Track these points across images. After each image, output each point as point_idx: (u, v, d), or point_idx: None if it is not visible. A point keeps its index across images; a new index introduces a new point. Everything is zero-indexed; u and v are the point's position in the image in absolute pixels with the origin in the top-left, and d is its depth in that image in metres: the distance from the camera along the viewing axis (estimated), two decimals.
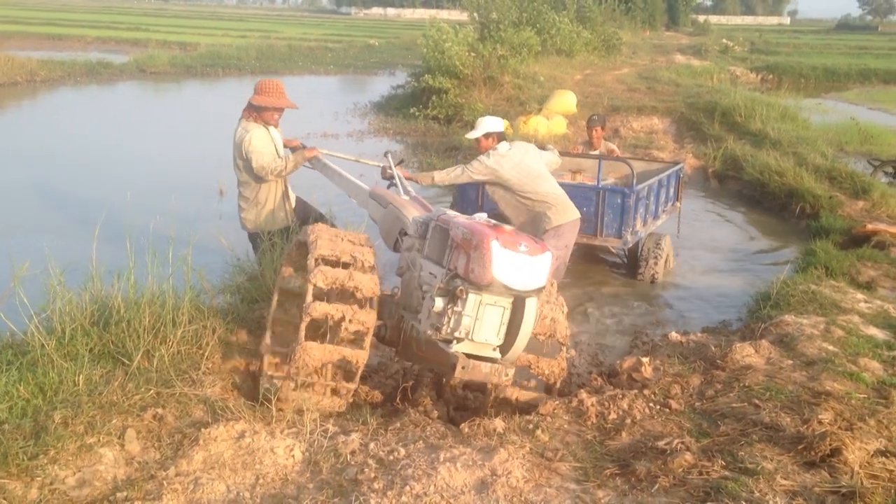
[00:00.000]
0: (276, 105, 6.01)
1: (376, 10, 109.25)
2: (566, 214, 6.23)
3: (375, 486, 3.32)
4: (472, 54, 18.99)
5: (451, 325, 3.80)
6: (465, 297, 3.75)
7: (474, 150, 6.63)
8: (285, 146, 6.38)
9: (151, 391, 3.92)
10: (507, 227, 3.89)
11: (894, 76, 31.24)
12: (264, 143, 5.97)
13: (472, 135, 6.47)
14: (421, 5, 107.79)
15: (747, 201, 11.27)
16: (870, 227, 8.72)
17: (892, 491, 3.35)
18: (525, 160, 6.23)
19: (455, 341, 3.80)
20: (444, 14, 59.68)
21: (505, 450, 3.58)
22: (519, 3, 27.97)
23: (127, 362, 4.11)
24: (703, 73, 27.45)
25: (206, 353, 4.43)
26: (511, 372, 3.89)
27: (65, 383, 3.80)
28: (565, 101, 16.96)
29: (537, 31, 26.97)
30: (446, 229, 4.07)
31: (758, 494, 3.19)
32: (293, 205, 6.43)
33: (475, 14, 26.39)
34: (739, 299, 7.00)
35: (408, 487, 3.28)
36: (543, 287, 3.84)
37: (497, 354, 3.88)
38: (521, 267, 3.71)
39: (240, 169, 6.16)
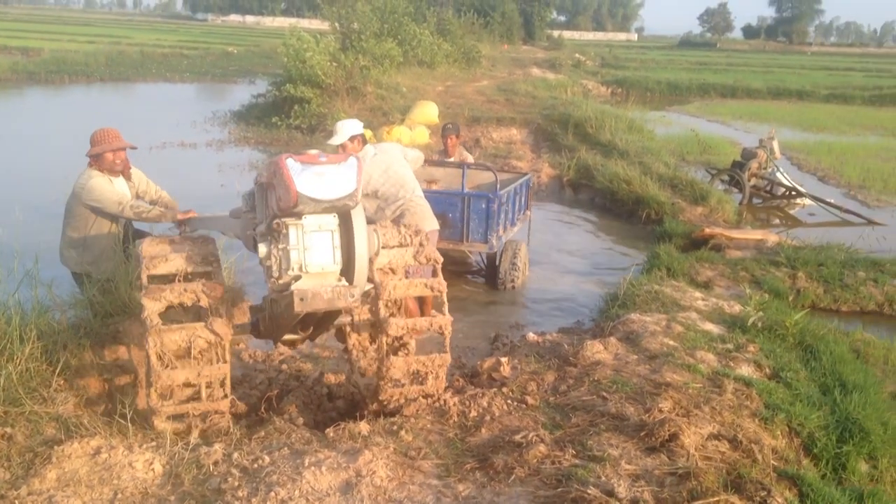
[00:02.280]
0: (111, 147, 5.64)
1: (234, 17, 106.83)
2: (425, 223, 6.18)
3: (239, 493, 3.32)
4: (334, 64, 18.99)
5: (282, 265, 3.70)
6: (285, 230, 3.66)
7: None
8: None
9: None
10: (310, 151, 3.80)
11: (731, 90, 33.61)
12: (107, 188, 5.59)
13: (335, 140, 6.22)
14: (281, 13, 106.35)
15: (599, 208, 11.88)
16: (707, 231, 9.43)
17: (724, 470, 3.68)
18: (392, 166, 6.21)
19: (293, 282, 3.70)
20: (304, 23, 59.00)
21: (370, 451, 3.67)
22: (380, 14, 28.16)
23: None
24: (557, 86, 28.55)
25: (58, 370, 4.26)
26: (357, 292, 3.78)
27: None
28: (427, 111, 17.24)
29: (399, 42, 27.23)
30: (259, 182, 3.98)
31: (604, 479, 3.43)
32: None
33: (336, 24, 26.39)
34: (592, 300, 7.40)
35: (272, 493, 3.30)
36: (355, 194, 3.69)
37: (344, 283, 3.79)
38: (324, 177, 3.59)
39: (71, 211, 5.74)
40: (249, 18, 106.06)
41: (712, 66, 49.06)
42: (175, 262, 4.06)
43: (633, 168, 12.17)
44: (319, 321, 4.41)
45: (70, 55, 32.61)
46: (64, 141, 15.48)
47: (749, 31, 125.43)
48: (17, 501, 3.18)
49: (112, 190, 5.63)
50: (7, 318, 4.35)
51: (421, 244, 4.47)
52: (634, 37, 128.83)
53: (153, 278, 4.03)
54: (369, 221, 6.02)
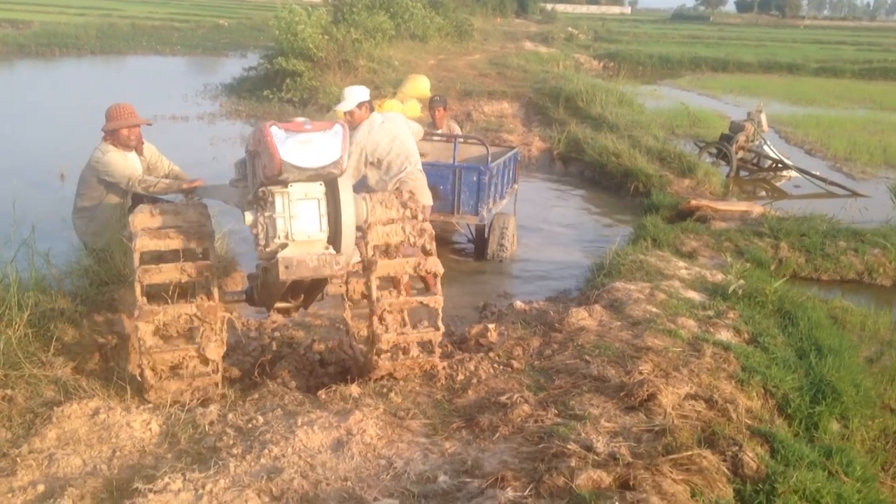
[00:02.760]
0: (126, 123, 5.76)
1: None
2: (423, 197, 6.21)
3: (234, 451, 3.47)
4: (326, 37, 18.95)
5: (269, 233, 3.71)
6: (271, 198, 3.66)
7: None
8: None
9: None
10: (296, 119, 3.78)
11: (722, 64, 33.56)
12: (119, 162, 5.71)
13: (343, 107, 6.17)
14: None
15: (588, 181, 12.00)
16: (693, 202, 9.58)
17: (699, 427, 3.84)
18: (399, 136, 6.20)
19: (280, 249, 3.72)
20: None
21: (360, 411, 3.82)
22: None
23: None
24: (549, 59, 28.51)
25: (55, 335, 4.39)
26: (342, 260, 3.78)
27: None
28: (419, 85, 17.20)
29: (391, 15, 27.13)
30: (248, 150, 3.97)
31: (584, 435, 3.59)
32: None
33: None
34: (579, 270, 7.55)
35: (266, 451, 3.46)
36: (340, 161, 3.66)
37: (331, 251, 3.80)
38: (309, 144, 3.57)
39: (85, 182, 5.91)
40: None
41: (704, 40, 48.94)
42: (167, 238, 4.06)
43: (622, 141, 12.27)
44: (309, 289, 4.43)
45: (60, 28, 32.36)
46: (58, 113, 15.54)
47: (742, 5, 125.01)
48: (18, 459, 3.32)
49: (125, 165, 5.74)
50: (5, 286, 4.46)
51: (415, 217, 4.44)
52: (628, 10, 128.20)
53: (145, 254, 4.06)
54: (370, 190, 6.02)
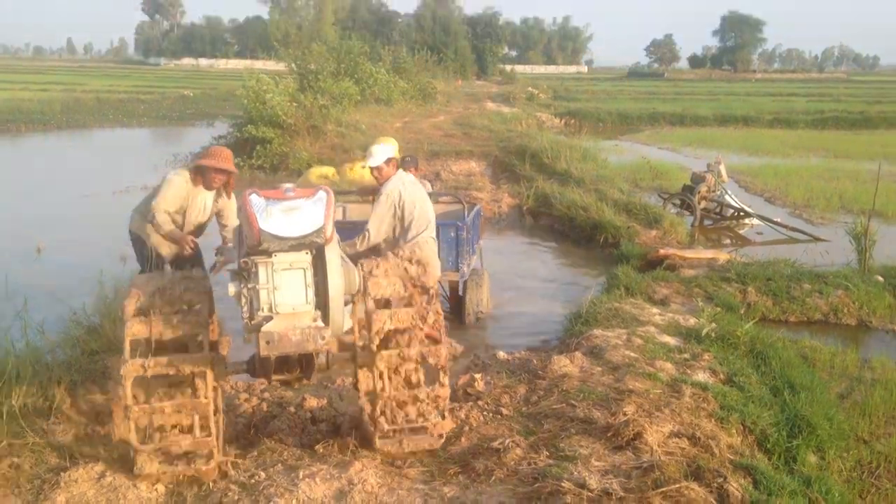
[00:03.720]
0: (216, 166, 5.82)
1: (187, 61, 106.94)
2: (434, 268, 5.97)
3: None
4: (294, 104, 19.35)
5: (252, 305, 3.51)
6: (254, 269, 3.47)
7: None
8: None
9: (3, 443, 3.95)
10: (284, 185, 3.61)
11: (679, 118, 34.65)
12: (176, 192, 5.79)
13: (372, 163, 6.07)
14: (234, 55, 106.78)
15: (558, 234, 12.31)
16: (662, 252, 9.89)
17: (684, 463, 4.02)
18: (423, 200, 6.17)
19: (265, 322, 3.52)
20: (259, 64, 59.48)
21: (359, 462, 3.95)
22: (336, 54, 28.70)
23: None
24: (512, 119, 29.27)
25: (55, 405, 4.47)
26: (328, 334, 3.58)
27: None
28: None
29: (356, 80, 27.75)
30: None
31: (576, 474, 3.76)
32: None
33: (293, 65, 26.81)
34: (557, 320, 7.75)
35: (272, 503, 3.56)
36: (324, 229, 3.49)
37: (320, 323, 3.60)
38: (291, 213, 3.41)
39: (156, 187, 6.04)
40: (203, 61, 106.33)
41: (661, 96, 50.49)
42: (158, 326, 3.84)
43: (589, 195, 12.66)
44: (302, 361, 4.15)
45: (24, 103, 32.53)
46: (29, 188, 15.61)
47: (695, 61, 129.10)
48: None
49: (175, 196, 5.76)
50: (2, 357, 4.55)
51: (425, 292, 4.16)
52: (585, 69, 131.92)
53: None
54: (379, 251, 5.76)
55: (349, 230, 6.29)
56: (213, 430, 3.89)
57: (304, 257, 3.56)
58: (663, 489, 3.54)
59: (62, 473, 3.77)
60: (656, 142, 26.60)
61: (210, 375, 3.86)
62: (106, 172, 17.17)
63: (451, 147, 20.05)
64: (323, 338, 3.56)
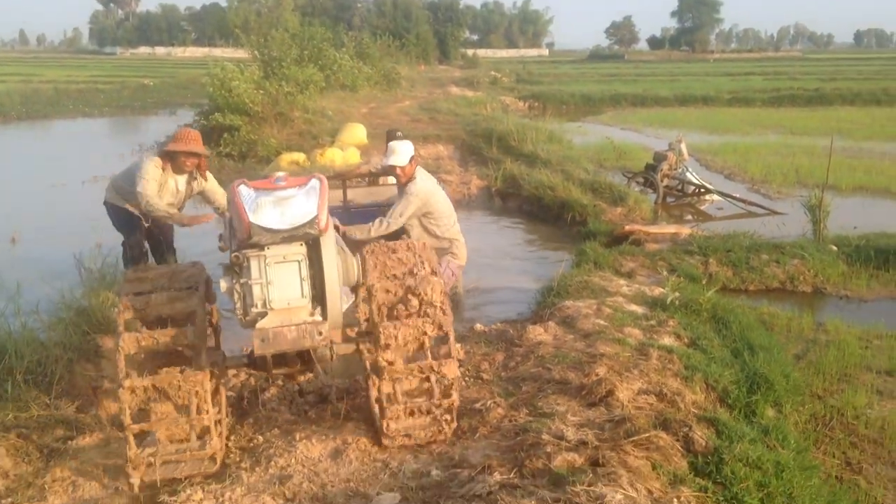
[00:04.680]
0: (185, 149, 6.19)
1: (144, 49, 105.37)
2: (464, 253, 6.85)
3: (243, 466, 3.83)
4: (260, 91, 19.37)
5: (246, 300, 3.38)
6: (246, 263, 3.33)
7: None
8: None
9: (10, 416, 4.14)
10: (276, 174, 3.48)
11: (640, 99, 35.18)
12: (153, 177, 6.19)
13: (397, 161, 6.17)
14: (192, 43, 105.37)
15: (527, 214, 12.62)
16: (627, 228, 10.25)
17: (653, 416, 4.34)
18: (444, 194, 6.53)
19: (259, 318, 3.39)
20: (217, 52, 58.96)
21: (352, 423, 4.21)
22: (299, 41, 28.64)
23: None
24: (477, 102, 29.47)
25: (54, 381, 4.66)
26: (325, 329, 3.42)
27: None
28: (356, 133, 17.59)
29: (320, 67, 27.73)
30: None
31: (554, 428, 4.05)
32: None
33: (256, 52, 26.72)
34: (529, 294, 8.04)
35: (272, 463, 3.82)
36: (318, 219, 3.31)
37: (318, 318, 3.47)
38: (281, 203, 3.26)
39: (129, 168, 6.67)
40: (160, 50, 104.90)
41: (622, 77, 51.03)
42: (155, 305, 3.74)
43: (555, 175, 12.97)
44: (305, 355, 3.99)
45: None
46: (1, 179, 15.55)
47: (654, 42, 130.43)
48: (45, 486, 3.61)
49: (152, 180, 6.20)
50: (3, 337, 4.73)
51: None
52: (546, 52, 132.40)
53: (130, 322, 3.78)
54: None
55: (353, 215, 6.54)
56: (216, 432, 3.77)
57: (299, 249, 3.40)
58: (634, 438, 3.85)
59: (69, 442, 3.99)
60: (619, 122, 27.02)
61: (205, 357, 3.72)
62: (72, 162, 17.10)
63: (418, 132, 20.21)
64: (320, 333, 3.40)
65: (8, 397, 4.33)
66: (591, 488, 3.20)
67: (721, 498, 3.53)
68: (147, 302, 3.74)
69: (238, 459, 3.89)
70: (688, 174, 13.35)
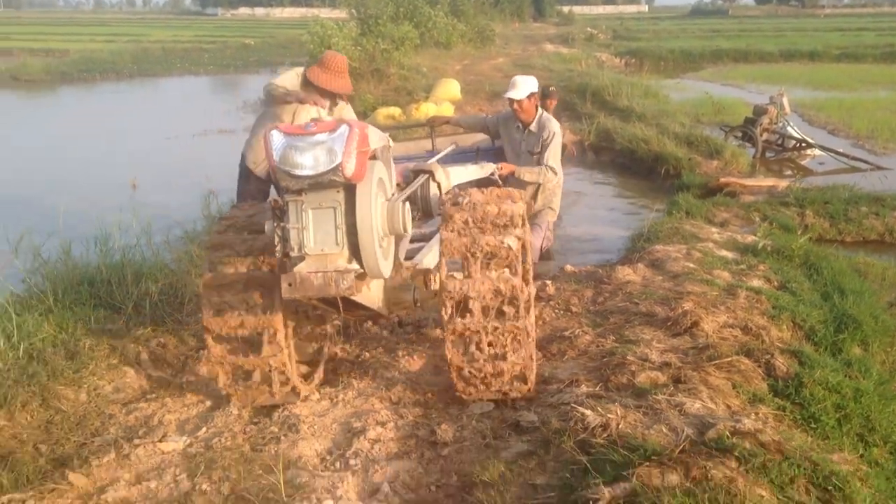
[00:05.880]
0: (325, 86, 5.63)
1: (244, 10, 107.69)
2: (559, 203, 7.04)
3: (353, 375, 4.23)
4: (358, 48, 19.86)
5: (283, 244, 3.36)
6: (285, 207, 3.33)
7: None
8: None
9: (149, 328, 4.69)
10: (311, 118, 3.43)
11: (743, 55, 34.06)
12: (288, 80, 5.74)
13: (516, 94, 6.11)
14: (290, 4, 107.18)
15: (620, 168, 12.66)
16: (722, 180, 10.21)
17: (736, 346, 4.53)
18: None
19: (297, 262, 3.36)
20: (314, 12, 59.87)
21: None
22: None
23: (122, 307, 4.86)
24: (572, 59, 29.22)
25: (185, 301, 5.20)
26: (350, 278, 3.30)
27: (69, 324, 4.53)
28: (450, 88, 18.07)
29: (415, 24, 28.06)
30: None
31: (639, 352, 4.30)
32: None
33: (353, 10, 27.23)
34: (619, 241, 8.22)
35: (378, 373, 4.23)
36: (342, 166, 3.18)
37: (354, 266, 3.38)
38: (307, 149, 3.18)
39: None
40: (259, 10, 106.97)
41: (725, 33, 49.32)
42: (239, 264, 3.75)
43: (650, 129, 12.93)
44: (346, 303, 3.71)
45: (96, 54, 33.81)
46: (118, 133, 16.58)
47: None
48: (183, 385, 4.12)
49: (286, 80, 5.72)
50: (139, 264, 5.30)
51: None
52: (645, 8, 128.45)
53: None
54: (547, 191, 6.50)
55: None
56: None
57: (336, 195, 3.33)
58: (716, 361, 4.06)
59: (201, 351, 4.48)
60: (720, 79, 26.34)
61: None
62: (182, 117, 18.07)
63: None
64: (346, 282, 3.29)
65: (147, 314, 4.88)
66: (672, 398, 3.45)
67: (798, 417, 3.72)
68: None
69: (348, 370, 4.30)
70: (788, 128, 13.05)
